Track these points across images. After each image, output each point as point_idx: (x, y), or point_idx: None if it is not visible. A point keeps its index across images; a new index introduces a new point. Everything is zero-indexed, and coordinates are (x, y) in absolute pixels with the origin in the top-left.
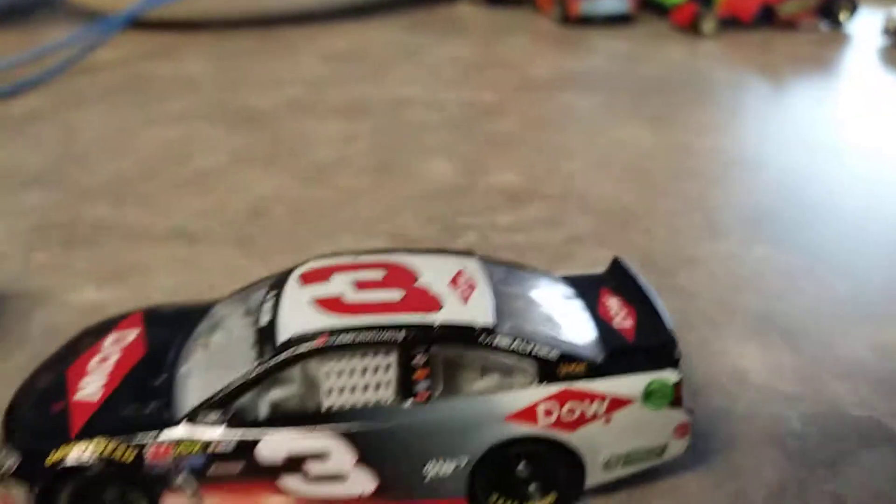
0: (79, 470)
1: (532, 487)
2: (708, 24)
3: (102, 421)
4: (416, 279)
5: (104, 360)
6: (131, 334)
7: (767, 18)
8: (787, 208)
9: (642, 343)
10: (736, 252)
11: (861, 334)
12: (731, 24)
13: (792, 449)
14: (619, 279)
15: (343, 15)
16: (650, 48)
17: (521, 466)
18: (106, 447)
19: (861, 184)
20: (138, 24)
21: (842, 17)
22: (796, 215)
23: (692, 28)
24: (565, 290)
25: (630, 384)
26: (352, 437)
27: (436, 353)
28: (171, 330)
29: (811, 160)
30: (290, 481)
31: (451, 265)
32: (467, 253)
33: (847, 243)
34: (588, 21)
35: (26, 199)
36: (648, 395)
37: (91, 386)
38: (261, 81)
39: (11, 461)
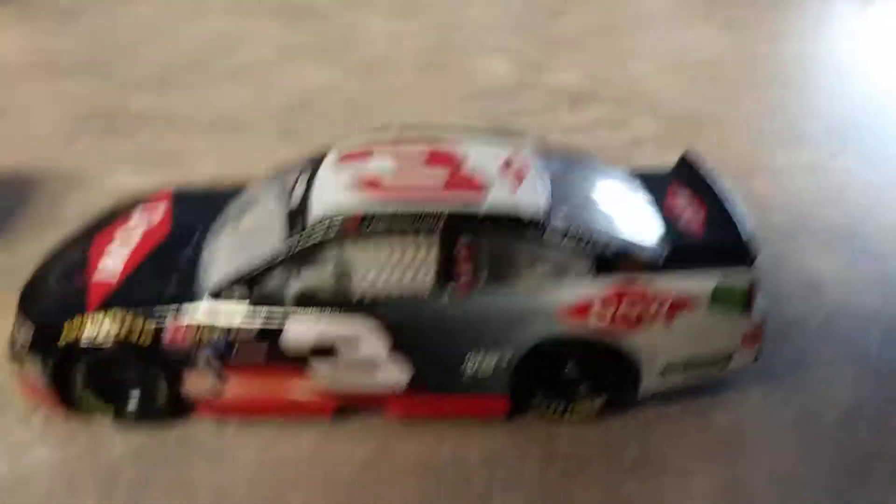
0: (92, 348)
1: (580, 390)
2: None
3: (121, 297)
4: (462, 162)
5: (128, 237)
6: (158, 212)
7: None
8: (875, 121)
9: (712, 240)
10: (817, 163)
11: None
12: None
13: (868, 370)
14: (688, 175)
15: None
16: None
17: (569, 366)
18: (123, 323)
19: None
20: None
21: None
22: (884, 129)
23: None
24: (628, 183)
25: (696, 284)
26: (386, 325)
27: (481, 242)
28: (199, 209)
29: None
30: (319, 368)
31: (502, 149)
32: (521, 136)
33: None
34: None
35: (71, 87)
36: (716, 296)
37: (112, 261)
38: None
39: (26, 334)
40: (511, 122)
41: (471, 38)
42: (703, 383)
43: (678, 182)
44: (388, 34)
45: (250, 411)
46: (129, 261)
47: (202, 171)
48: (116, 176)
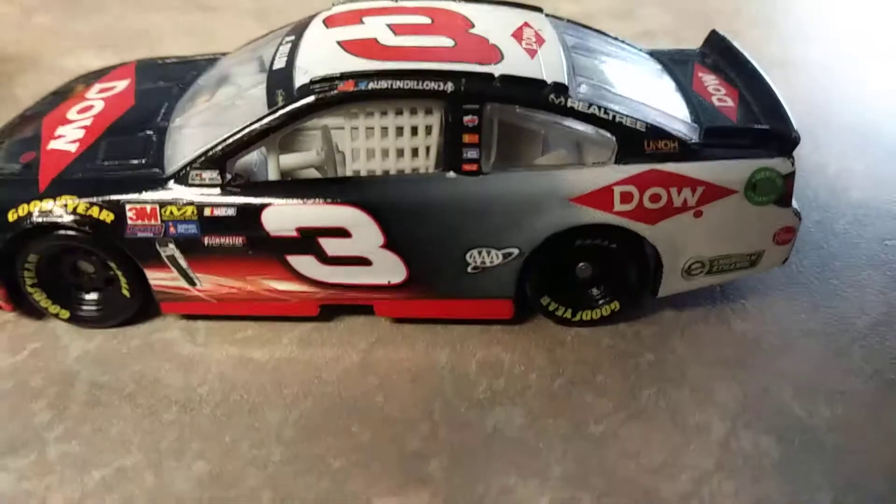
0: (43, 230)
1: (593, 293)
2: None
3: (74, 176)
4: (469, 27)
5: (86, 109)
6: (121, 84)
7: None
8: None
9: (748, 124)
10: (831, 59)
11: None
12: None
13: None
14: (718, 55)
15: None
16: None
17: (582, 265)
18: (76, 204)
19: None
20: None
21: None
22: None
23: None
24: (653, 61)
25: (732, 171)
26: (379, 212)
27: (492, 113)
28: (167, 81)
29: None
30: (302, 262)
31: (513, 17)
32: (534, 8)
33: None
34: None
35: None
36: (753, 185)
37: (68, 136)
38: None
39: None
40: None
41: None
42: (725, 287)
43: (706, 62)
44: None
45: (222, 310)
46: (86, 134)
47: (169, 52)
48: (77, 57)
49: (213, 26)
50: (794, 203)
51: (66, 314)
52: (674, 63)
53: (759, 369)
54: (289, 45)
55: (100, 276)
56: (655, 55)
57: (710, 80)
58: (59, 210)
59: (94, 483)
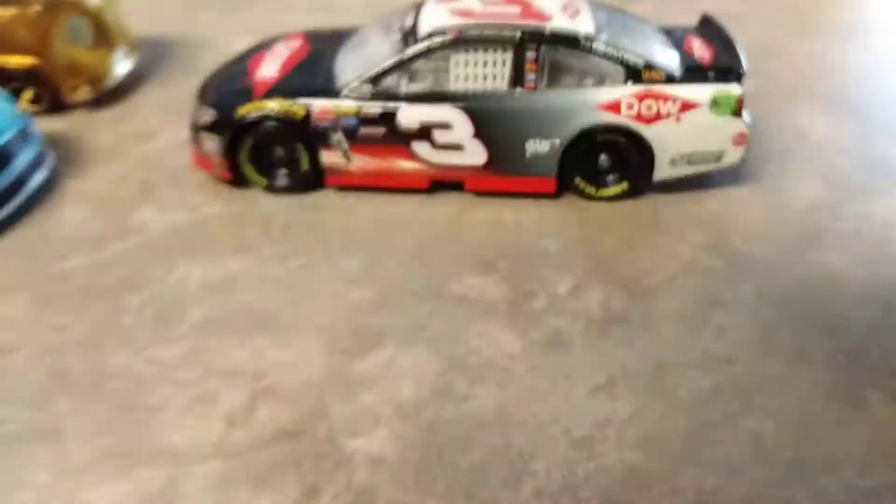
0: (260, 123)
1: (610, 177)
2: None
3: (279, 89)
4: (531, 2)
5: (277, 55)
6: (297, 41)
7: None
8: (880, 21)
9: (714, 64)
10: (824, 50)
11: None
12: None
13: (833, 181)
14: (706, 29)
15: None
16: None
17: (602, 157)
18: (282, 104)
19: None
20: None
21: None
22: (886, 27)
23: None
24: (657, 30)
25: (699, 91)
26: (472, 113)
27: (544, 53)
28: (329, 40)
29: None
30: (420, 147)
31: None
32: None
33: None
34: None
35: None
36: (714, 102)
37: (268, 70)
38: None
39: (208, 116)
40: None
41: None
42: (700, 179)
43: (697, 33)
44: None
45: (368, 182)
46: (281, 68)
47: None
48: (236, 41)
49: (336, 21)
50: (746, 116)
51: (264, 182)
52: (673, 32)
53: (720, 228)
54: (413, 12)
55: (289, 157)
56: (661, 28)
57: (696, 43)
58: (269, 108)
59: (307, 263)
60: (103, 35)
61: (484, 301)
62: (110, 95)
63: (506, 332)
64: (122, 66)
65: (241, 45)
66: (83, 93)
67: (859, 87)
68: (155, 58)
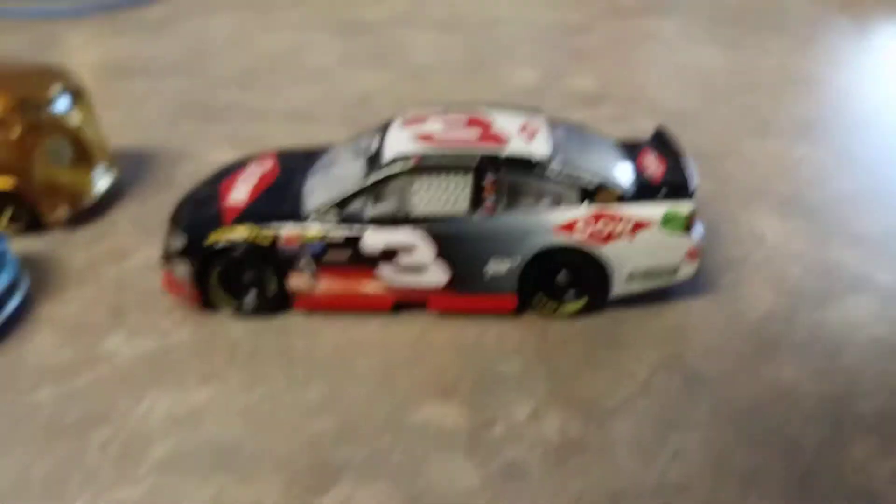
0: (228, 249)
1: (568, 293)
2: None
3: (248, 215)
4: (491, 124)
5: (248, 178)
6: (268, 163)
7: None
8: (833, 120)
9: (665, 181)
10: (777, 150)
11: (877, 217)
12: None
13: (787, 288)
14: (659, 143)
15: None
16: None
17: (561, 274)
18: (250, 232)
19: None
20: None
21: None
22: (840, 125)
23: None
24: (612, 146)
25: (651, 210)
26: (434, 236)
27: (502, 177)
28: (298, 161)
29: (869, 83)
30: (385, 269)
31: (520, 117)
32: (536, 110)
33: (879, 149)
34: None
35: (168, 84)
36: (666, 220)
37: (238, 194)
38: None
39: (179, 242)
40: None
41: (504, 50)
42: (658, 292)
43: (651, 147)
44: (433, 46)
45: (333, 305)
46: (251, 192)
47: None
48: (215, 152)
49: (312, 131)
50: (698, 230)
51: (232, 306)
52: (630, 146)
53: (678, 343)
54: (378, 136)
55: (258, 279)
56: (618, 143)
57: (649, 158)
58: (239, 235)
59: (270, 393)
60: (83, 153)
61: (444, 430)
62: (88, 212)
63: (465, 463)
64: (101, 182)
65: (219, 156)
66: (62, 212)
67: (814, 187)
68: (134, 171)
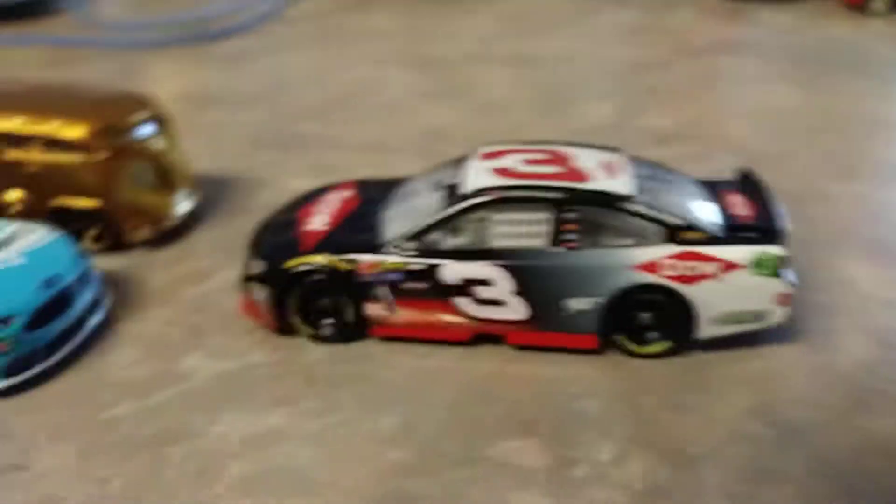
0: (307, 275)
1: (651, 334)
2: (879, 4)
3: (327, 243)
4: (572, 160)
5: (327, 206)
6: (348, 192)
7: None
8: None
9: (756, 225)
10: (863, 192)
11: None
12: None
13: (880, 337)
14: (746, 184)
15: None
16: (814, 23)
17: (644, 314)
18: (329, 259)
19: None
20: None
21: None
22: None
23: (862, 7)
24: (696, 185)
25: (742, 252)
26: (512, 271)
27: (583, 213)
28: (377, 191)
29: None
30: (462, 302)
31: (602, 155)
32: (615, 148)
33: None
34: None
35: (247, 115)
36: (756, 263)
37: (318, 222)
38: (440, 36)
39: (258, 267)
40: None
41: (576, 87)
42: (745, 336)
43: (738, 188)
44: (505, 83)
45: (410, 333)
46: (331, 221)
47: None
48: (293, 180)
49: (389, 161)
50: (790, 275)
51: (310, 332)
52: (715, 186)
53: (766, 390)
54: (458, 170)
55: (335, 307)
56: (702, 181)
57: (737, 199)
58: (318, 261)
59: (345, 420)
60: (165, 177)
61: (523, 467)
62: (169, 234)
63: (545, 501)
64: (182, 206)
65: (297, 184)
66: (144, 233)
67: None
68: (214, 196)
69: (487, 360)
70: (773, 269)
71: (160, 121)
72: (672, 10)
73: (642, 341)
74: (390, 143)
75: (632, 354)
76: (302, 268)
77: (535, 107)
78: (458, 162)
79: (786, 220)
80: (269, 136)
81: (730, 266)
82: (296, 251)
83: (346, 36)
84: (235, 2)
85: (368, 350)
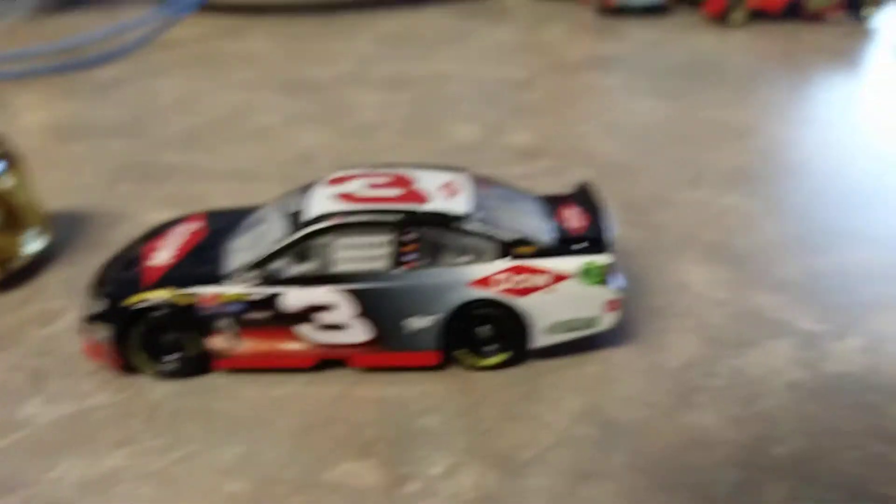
0: (148, 311)
1: (490, 347)
2: (737, 15)
3: (169, 278)
4: (413, 183)
5: (173, 239)
6: (196, 224)
7: (795, 12)
8: (764, 168)
9: (583, 236)
10: (708, 199)
11: (798, 262)
12: (760, 16)
13: (709, 336)
14: (582, 197)
15: (400, 2)
16: (679, 37)
17: (482, 328)
18: (171, 293)
19: (832, 150)
20: (209, 6)
21: (867, 11)
22: (771, 174)
23: (722, 19)
24: (534, 201)
25: (570, 263)
26: (354, 294)
27: (421, 233)
28: (226, 221)
29: (800, 133)
30: (304, 329)
31: (444, 176)
32: (461, 169)
33: (807, 196)
34: (625, 11)
35: (110, 145)
36: (584, 272)
37: (162, 256)
38: (317, 58)
39: (98, 306)
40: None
41: (448, 108)
42: (579, 343)
43: (573, 201)
44: (377, 105)
45: (254, 363)
46: (175, 255)
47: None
48: (152, 213)
49: (251, 190)
50: (619, 281)
51: (153, 369)
52: (551, 201)
53: (598, 393)
54: (302, 196)
55: (177, 343)
56: (541, 196)
57: (570, 212)
58: (159, 296)
59: (187, 455)
60: (13, 217)
61: (359, 489)
62: (18, 275)
63: None
64: (31, 246)
65: (156, 217)
66: None
67: (740, 235)
68: (71, 233)
69: (333, 384)
70: (600, 277)
71: (8, 158)
72: (547, 26)
73: (482, 354)
74: (257, 170)
75: (473, 368)
76: (143, 304)
77: (405, 129)
78: (306, 188)
79: (612, 229)
80: (134, 167)
81: (559, 277)
82: (137, 287)
83: (222, 60)
84: (110, 28)
85: (214, 383)
